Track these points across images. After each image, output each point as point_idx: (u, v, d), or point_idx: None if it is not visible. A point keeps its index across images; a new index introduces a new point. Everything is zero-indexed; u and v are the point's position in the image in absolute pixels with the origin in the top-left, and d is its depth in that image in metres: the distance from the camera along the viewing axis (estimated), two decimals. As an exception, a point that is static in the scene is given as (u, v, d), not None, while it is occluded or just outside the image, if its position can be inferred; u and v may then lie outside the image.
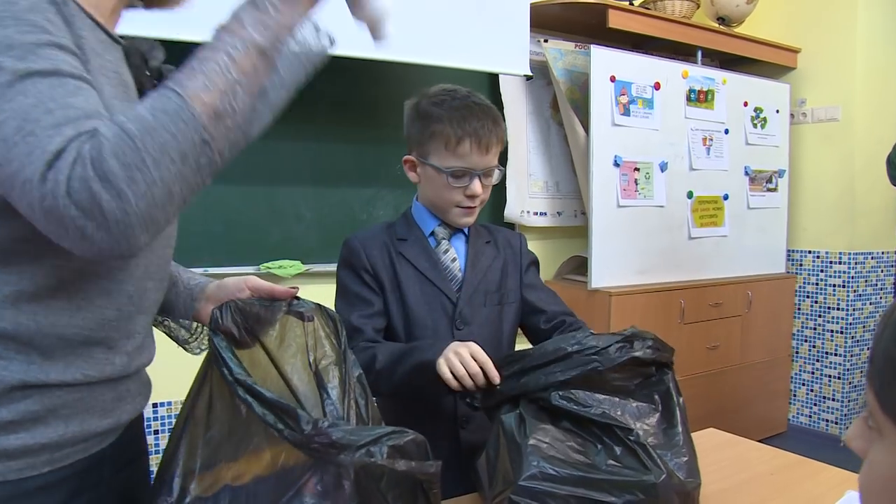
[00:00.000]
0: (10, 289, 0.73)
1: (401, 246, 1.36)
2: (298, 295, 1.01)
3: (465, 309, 1.34)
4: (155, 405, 2.40)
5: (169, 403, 2.41)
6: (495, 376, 1.10)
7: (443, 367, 1.13)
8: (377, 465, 0.77)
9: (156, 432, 2.41)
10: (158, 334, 1.03)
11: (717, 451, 1.38)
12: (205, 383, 0.88)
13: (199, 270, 1.09)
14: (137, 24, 0.93)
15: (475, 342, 1.15)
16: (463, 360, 1.12)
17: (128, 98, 0.83)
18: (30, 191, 0.63)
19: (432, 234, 1.38)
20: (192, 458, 0.86)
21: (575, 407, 1.01)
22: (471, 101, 1.32)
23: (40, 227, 0.66)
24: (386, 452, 0.78)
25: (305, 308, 0.99)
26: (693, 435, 1.43)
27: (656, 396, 1.08)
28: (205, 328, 1.06)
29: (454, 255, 1.38)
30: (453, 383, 1.12)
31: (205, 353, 0.94)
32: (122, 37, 0.87)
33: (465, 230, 1.40)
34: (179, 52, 0.92)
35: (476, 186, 1.30)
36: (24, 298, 0.73)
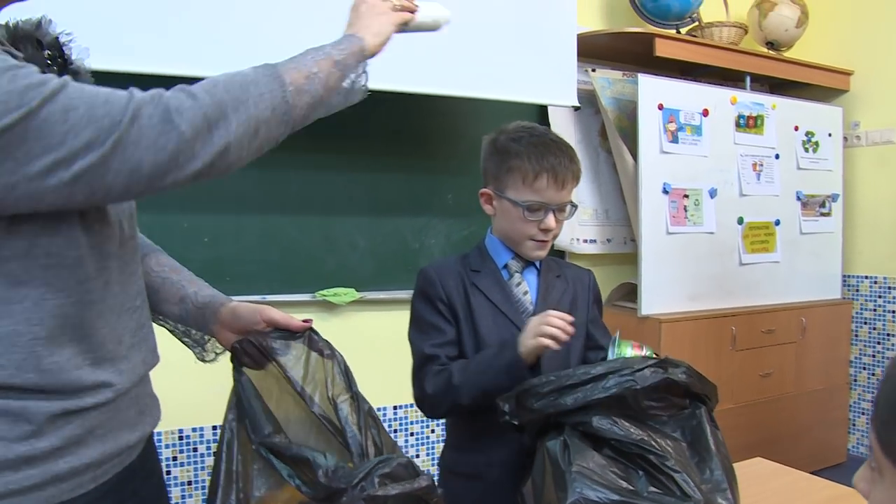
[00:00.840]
0: (32, 340, 0.80)
1: (475, 277, 1.41)
2: (313, 327, 1.06)
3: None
4: (214, 427, 2.50)
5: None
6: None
7: (537, 342, 1.21)
8: (375, 497, 0.83)
9: (215, 453, 2.50)
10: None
11: (763, 481, 1.40)
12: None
13: (257, 298, 1.15)
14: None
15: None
16: (547, 324, 1.21)
17: None
18: (118, 113, 0.76)
19: (505, 266, 1.43)
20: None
21: (615, 430, 1.05)
22: (548, 138, 1.39)
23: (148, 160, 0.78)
24: (377, 482, 0.85)
25: (324, 344, 1.05)
26: (739, 464, 1.46)
27: (687, 430, 1.11)
28: (215, 342, 1.11)
29: (526, 287, 1.43)
30: (555, 345, 1.20)
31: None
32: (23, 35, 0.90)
33: (537, 264, 1.45)
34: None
35: (550, 221, 1.36)
36: (44, 344, 0.80)
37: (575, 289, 1.47)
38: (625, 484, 1.02)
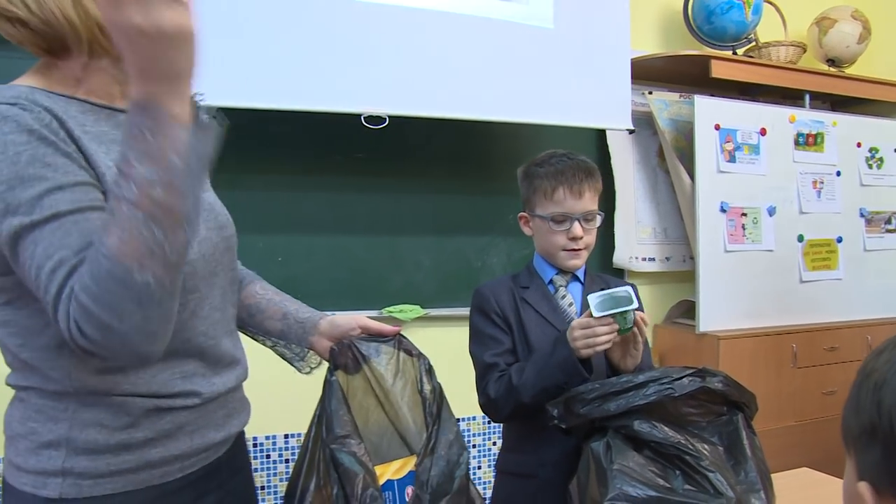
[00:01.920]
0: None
1: (524, 293, 1.56)
2: (402, 332, 1.21)
3: None
4: (286, 436, 2.66)
5: (299, 435, 2.66)
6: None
7: (590, 352, 1.34)
8: None
9: (287, 461, 2.66)
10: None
11: (806, 489, 1.46)
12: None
13: (327, 314, 1.29)
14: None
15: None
16: (594, 335, 1.33)
17: None
18: (52, 316, 0.82)
19: (551, 281, 1.57)
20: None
21: (655, 433, 1.15)
22: (566, 158, 1.54)
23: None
24: None
25: (411, 346, 1.19)
26: (785, 473, 1.53)
27: (724, 435, 1.20)
28: (313, 354, 1.25)
29: (571, 300, 1.56)
30: (600, 349, 1.33)
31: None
32: None
33: (581, 278, 1.58)
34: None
35: (577, 229, 1.50)
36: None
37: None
38: (662, 482, 1.11)
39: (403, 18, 2.43)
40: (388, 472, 1.10)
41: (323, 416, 1.07)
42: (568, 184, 1.50)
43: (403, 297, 2.78)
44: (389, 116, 2.45)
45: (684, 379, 1.19)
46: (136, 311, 0.78)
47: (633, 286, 1.65)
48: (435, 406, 1.10)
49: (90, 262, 0.78)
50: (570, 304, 1.56)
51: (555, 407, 1.28)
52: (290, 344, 1.24)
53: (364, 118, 2.44)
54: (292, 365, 1.26)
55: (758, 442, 1.22)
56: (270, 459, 2.63)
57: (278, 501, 2.62)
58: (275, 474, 2.63)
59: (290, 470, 2.65)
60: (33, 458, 0.93)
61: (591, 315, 1.33)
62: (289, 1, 2.26)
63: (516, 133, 2.80)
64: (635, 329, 1.37)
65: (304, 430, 2.67)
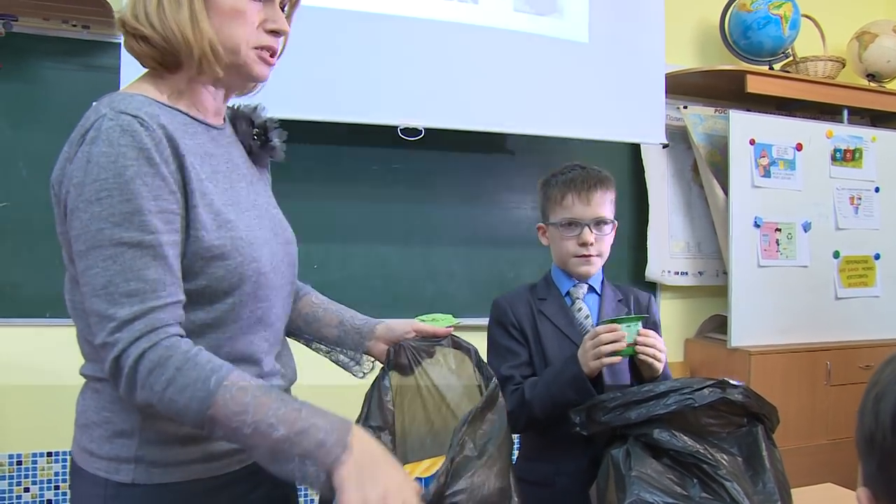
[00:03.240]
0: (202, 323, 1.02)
1: (541, 305, 1.59)
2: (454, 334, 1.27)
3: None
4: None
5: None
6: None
7: (599, 363, 1.36)
8: None
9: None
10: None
11: (826, 502, 1.46)
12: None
13: (382, 320, 1.35)
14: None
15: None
16: (600, 343, 1.36)
17: (238, 178, 1.10)
18: (98, 332, 0.91)
19: (568, 293, 1.60)
20: None
21: (674, 442, 1.17)
22: (579, 168, 1.58)
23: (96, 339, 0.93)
24: None
25: (465, 342, 1.26)
26: (808, 488, 1.54)
27: (743, 446, 1.22)
28: (368, 357, 1.31)
29: (587, 312, 1.58)
30: (616, 360, 1.36)
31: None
32: (229, 107, 1.16)
33: (598, 289, 1.61)
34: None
35: (587, 235, 1.53)
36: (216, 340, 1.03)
37: (634, 311, 1.61)
38: (679, 489, 1.14)
39: (441, 32, 2.49)
40: (418, 470, 1.15)
41: (363, 412, 1.12)
42: (576, 190, 1.54)
43: (436, 306, 2.81)
44: (425, 129, 2.50)
45: (705, 390, 1.21)
46: (171, 410, 0.90)
47: (652, 295, 1.69)
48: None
49: (205, 369, 0.91)
50: (587, 317, 1.58)
51: (577, 414, 1.32)
52: (345, 350, 1.30)
53: (400, 130, 2.50)
54: (347, 370, 1.31)
55: (778, 454, 1.24)
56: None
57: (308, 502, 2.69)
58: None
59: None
60: (108, 446, 1.01)
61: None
62: (331, 17, 2.33)
63: (550, 146, 2.84)
64: (640, 344, 1.39)
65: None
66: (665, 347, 1.43)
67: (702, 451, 1.17)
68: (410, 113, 2.48)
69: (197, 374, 0.90)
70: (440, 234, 2.84)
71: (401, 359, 1.20)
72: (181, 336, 0.93)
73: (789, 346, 3.03)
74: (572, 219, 1.54)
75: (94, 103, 0.99)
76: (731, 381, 1.24)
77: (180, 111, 1.03)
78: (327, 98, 2.35)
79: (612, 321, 1.39)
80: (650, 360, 1.40)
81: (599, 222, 1.55)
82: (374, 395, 1.15)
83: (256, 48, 1.04)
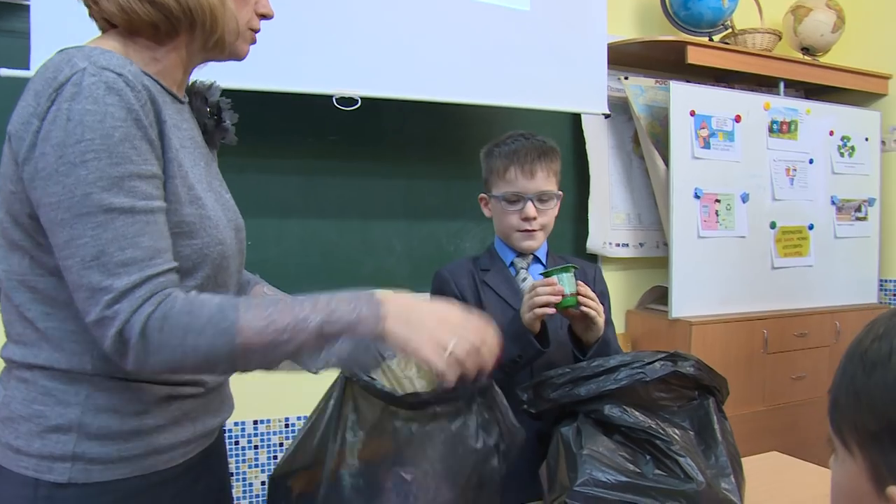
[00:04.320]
0: None
1: (485, 276, 1.54)
2: None
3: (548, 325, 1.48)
4: (256, 422, 2.63)
5: (269, 421, 2.63)
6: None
7: (533, 315, 1.33)
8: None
9: (255, 447, 2.63)
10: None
11: (776, 472, 1.46)
12: (329, 401, 1.06)
13: None
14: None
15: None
16: (536, 295, 1.33)
17: (200, 156, 1.02)
18: (91, 307, 0.84)
19: (512, 264, 1.54)
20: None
21: (625, 418, 1.13)
22: (522, 138, 1.51)
23: (85, 319, 0.86)
24: None
25: None
26: (755, 457, 1.52)
27: (695, 419, 1.19)
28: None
29: (532, 281, 1.52)
30: (550, 311, 1.33)
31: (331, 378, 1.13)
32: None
33: (543, 259, 1.56)
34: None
35: (529, 210, 1.47)
36: None
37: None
38: (632, 467, 1.10)
39: (377, -3, 2.39)
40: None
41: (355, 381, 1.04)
42: (520, 163, 1.48)
43: (375, 281, 2.72)
44: (362, 98, 2.41)
45: (656, 363, 1.17)
46: (197, 361, 0.86)
47: (599, 267, 1.65)
48: None
49: (216, 307, 0.86)
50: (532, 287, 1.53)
51: (524, 392, 1.27)
52: None
53: (336, 99, 2.40)
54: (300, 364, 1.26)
55: (728, 426, 1.21)
56: (239, 446, 2.60)
57: (247, 488, 2.59)
58: (243, 460, 2.59)
59: (259, 456, 2.63)
60: (38, 442, 0.91)
61: None
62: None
63: (491, 116, 2.77)
64: (581, 296, 1.34)
65: (272, 417, 2.66)
66: (600, 307, 1.39)
67: (654, 426, 1.13)
68: (346, 82, 2.38)
69: (209, 311, 0.86)
70: (378, 208, 2.76)
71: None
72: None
73: (728, 315, 3.06)
74: (515, 193, 1.49)
75: (57, 54, 0.89)
76: (682, 354, 1.21)
77: (152, 78, 0.96)
78: (257, 65, 2.18)
79: (546, 273, 1.36)
80: (589, 311, 1.35)
81: (543, 196, 1.50)
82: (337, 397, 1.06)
83: (249, 29, 1.04)
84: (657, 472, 1.09)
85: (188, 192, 0.94)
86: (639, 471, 1.09)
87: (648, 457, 1.12)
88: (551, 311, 1.33)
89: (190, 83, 1.09)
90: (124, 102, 0.85)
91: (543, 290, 1.33)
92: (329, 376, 1.14)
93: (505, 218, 1.51)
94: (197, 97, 1.10)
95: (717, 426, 1.18)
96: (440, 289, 1.55)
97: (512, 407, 1.29)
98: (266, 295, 1.25)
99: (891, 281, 3.66)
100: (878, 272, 3.64)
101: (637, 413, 1.15)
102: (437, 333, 0.90)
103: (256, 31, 1.06)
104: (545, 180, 1.49)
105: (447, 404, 0.99)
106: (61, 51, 0.89)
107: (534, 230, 1.50)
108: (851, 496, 0.63)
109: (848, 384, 0.62)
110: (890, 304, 3.64)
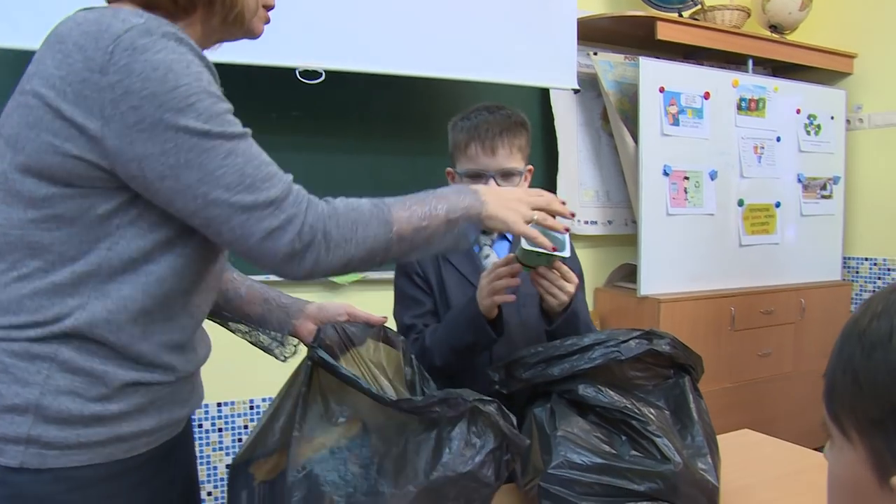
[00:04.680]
0: (130, 302, 0.89)
1: (447, 252, 1.47)
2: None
3: (504, 309, 1.43)
4: (220, 404, 2.56)
5: (233, 403, 2.57)
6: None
7: (491, 301, 1.28)
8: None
9: (220, 430, 2.57)
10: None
11: (747, 450, 1.44)
12: (294, 386, 1.02)
13: (260, 278, 1.24)
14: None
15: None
16: (496, 278, 1.28)
17: None
18: (255, 224, 0.86)
19: (476, 240, 1.48)
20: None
21: (600, 398, 1.10)
22: (486, 111, 1.44)
23: (241, 248, 0.88)
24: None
25: (395, 336, 1.13)
26: (727, 435, 1.51)
27: (671, 398, 1.16)
28: (291, 339, 1.22)
29: (495, 259, 1.46)
30: (510, 298, 1.28)
31: (296, 361, 1.08)
32: None
33: (509, 236, 1.50)
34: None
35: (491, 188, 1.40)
36: (141, 312, 0.90)
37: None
38: (608, 448, 1.07)
39: (341, -34, 2.30)
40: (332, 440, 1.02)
41: (330, 368, 0.99)
42: (480, 139, 1.40)
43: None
44: (326, 71, 2.33)
45: (631, 341, 1.14)
46: (362, 253, 0.93)
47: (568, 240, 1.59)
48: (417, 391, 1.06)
49: (372, 203, 0.95)
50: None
51: (496, 372, 1.23)
52: (268, 330, 1.23)
53: (299, 73, 2.32)
54: (269, 352, 1.24)
55: (704, 405, 1.18)
56: (203, 429, 2.54)
57: (211, 471, 2.54)
58: (207, 444, 2.53)
59: (223, 439, 2.57)
60: None
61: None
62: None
63: (459, 91, 2.71)
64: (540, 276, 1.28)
65: (237, 399, 2.60)
66: (575, 279, 1.33)
67: (629, 406, 1.10)
68: (310, 54, 2.30)
69: (367, 207, 0.94)
70: (343, 185, 2.68)
71: (330, 337, 1.05)
72: None
73: (696, 293, 3.06)
74: (476, 170, 1.42)
75: (86, 11, 0.86)
76: (658, 332, 1.18)
77: None
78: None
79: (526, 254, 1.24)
80: (545, 294, 1.29)
81: (507, 173, 1.43)
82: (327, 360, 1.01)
83: (263, 6, 1.04)
84: (633, 453, 1.06)
85: None
86: (614, 452, 1.06)
87: (624, 437, 1.08)
88: (510, 298, 1.27)
89: None
90: (195, 52, 0.86)
91: (504, 270, 1.26)
92: (295, 361, 1.11)
93: None
94: None
95: (692, 405, 1.15)
96: (403, 266, 1.49)
97: (479, 389, 1.25)
98: (236, 281, 1.23)
99: (854, 258, 3.70)
100: (842, 249, 3.67)
101: (612, 393, 1.12)
102: (521, 209, 1.08)
103: (270, 7, 1.05)
104: (508, 157, 1.42)
105: (441, 410, 0.95)
106: (87, 9, 0.87)
107: None
108: (851, 487, 0.59)
109: (845, 366, 0.57)
110: (853, 281, 3.69)
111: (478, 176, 1.42)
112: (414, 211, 0.97)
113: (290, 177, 0.91)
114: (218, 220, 0.86)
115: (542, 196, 1.14)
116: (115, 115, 0.81)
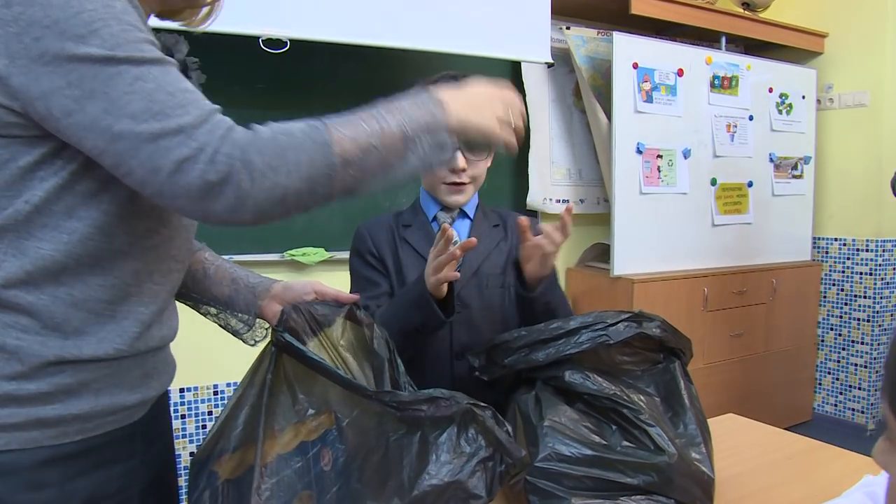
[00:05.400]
0: (50, 262, 0.78)
1: (405, 231, 1.39)
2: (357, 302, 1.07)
3: (464, 291, 1.34)
4: (182, 390, 2.46)
5: (196, 388, 2.47)
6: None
7: (436, 278, 1.15)
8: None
9: (182, 416, 2.46)
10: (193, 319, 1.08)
11: (735, 435, 1.39)
12: (258, 373, 0.92)
13: (226, 258, 1.15)
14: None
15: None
16: (437, 254, 1.15)
17: None
18: (162, 155, 0.73)
19: (435, 218, 1.40)
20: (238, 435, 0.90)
21: (588, 385, 1.03)
22: (453, 80, 1.33)
23: (153, 187, 0.75)
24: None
25: (365, 316, 1.04)
26: (712, 420, 1.45)
27: (660, 384, 1.09)
28: (261, 322, 1.13)
29: (455, 237, 1.38)
30: (454, 276, 1.15)
31: (262, 346, 0.99)
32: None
33: (471, 214, 1.42)
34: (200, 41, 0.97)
35: (458, 160, 1.32)
36: (64, 273, 0.79)
37: (513, 239, 1.43)
38: (598, 438, 1.00)
39: (306, -71, 2.18)
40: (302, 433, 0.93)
41: (297, 352, 0.91)
42: None
43: (307, 239, 2.59)
44: (291, 40, 2.22)
45: (620, 324, 1.07)
46: (297, 182, 0.78)
47: (535, 218, 1.52)
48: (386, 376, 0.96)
49: (305, 123, 0.80)
50: (455, 243, 1.34)
51: (476, 357, 1.15)
52: (236, 312, 1.14)
53: (262, 41, 2.20)
54: (238, 336, 1.14)
55: (694, 391, 1.12)
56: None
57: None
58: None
59: (186, 426, 2.46)
60: None
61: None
62: None
63: (427, 62, 2.61)
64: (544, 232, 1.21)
65: (200, 384, 2.49)
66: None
67: (618, 393, 1.03)
68: (273, 22, 2.18)
69: (299, 128, 0.79)
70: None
71: (297, 322, 0.97)
72: None
73: (669, 273, 3.02)
74: None
75: None
76: (647, 314, 1.11)
77: None
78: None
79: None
80: (542, 255, 1.22)
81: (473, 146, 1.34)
82: (294, 344, 0.91)
83: None
84: (625, 443, 0.99)
85: None
86: (605, 443, 0.99)
87: (614, 427, 1.01)
88: (454, 276, 1.16)
89: (156, 29, 0.93)
90: None
91: (443, 246, 1.15)
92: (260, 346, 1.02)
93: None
94: (161, 50, 0.94)
95: (684, 391, 1.09)
96: (356, 246, 1.41)
97: (437, 376, 1.16)
98: (206, 261, 1.13)
99: (823, 238, 3.70)
100: (812, 230, 3.67)
101: (600, 379, 1.05)
102: (496, 111, 0.93)
103: None
104: None
105: (427, 409, 0.86)
106: None
107: (463, 183, 1.35)
108: None
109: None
110: (822, 261, 3.69)
111: None
112: (359, 129, 0.82)
113: (213, 106, 0.78)
114: (127, 156, 0.74)
115: (511, 88, 0.98)
116: (20, 49, 0.72)
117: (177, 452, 2.46)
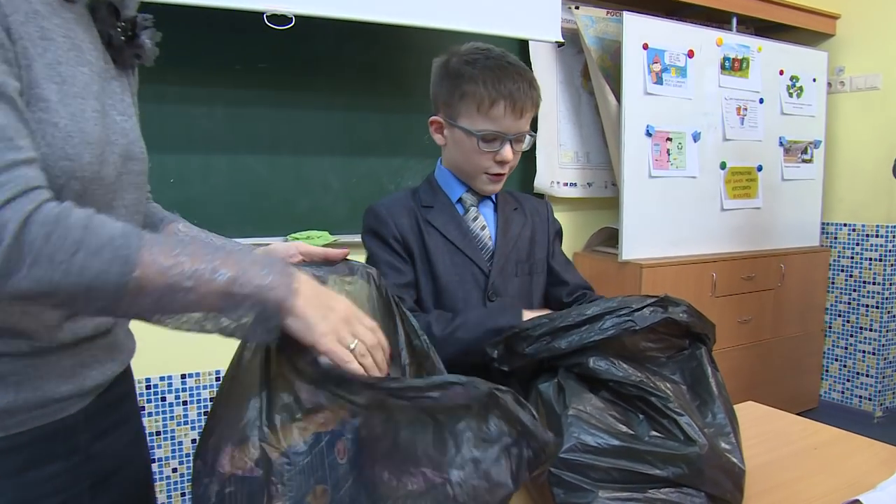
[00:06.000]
0: None
1: (427, 213, 1.30)
2: (349, 257, 1.01)
3: (498, 280, 1.30)
4: (184, 376, 2.41)
5: (198, 374, 2.42)
6: None
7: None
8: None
9: (184, 403, 2.42)
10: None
11: (758, 424, 1.35)
12: (253, 357, 0.87)
13: (259, 245, 1.08)
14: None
15: None
16: None
17: (80, 61, 0.79)
18: None
19: (459, 200, 1.33)
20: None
21: (614, 371, 0.98)
22: (505, 61, 1.26)
23: None
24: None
25: (364, 266, 0.99)
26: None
27: (686, 371, 1.05)
28: None
29: (483, 222, 1.33)
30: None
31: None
32: None
33: (493, 196, 1.36)
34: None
35: (507, 152, 1.25)
36: None
37: (533, 222, 1.39)
38: (624, 428, 0.96)
39: None
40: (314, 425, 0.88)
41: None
42: (511, 99, 1.21)
43: (310, 222, 2.54)
44: (296, 16, 2.16)
45: (645, 310, 1.02)
46: (75, 287, 0.68)
47: (548, 205, 1.47)
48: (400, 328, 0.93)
49: (119, 230, 0.70)
50: (483, 228, 1.32)
51: (494, 348, 1.10)
52: None
53: (267, 17, 2.14)
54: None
55: (721, 378, 1.08)
56: (166, 402, 2.39)
57: (176, 447, 2.39)
58: (171, 418, 2.38)
59: (188, 413, 2.43)
60: None
61: None
62: None
63: (436, 41, 2.55)
64: None
65: (202, 371, 2.45)
66: None
67: (645, 380, 0.99)
68: (278, -3, 2.13)
69: (110, 231, 0.69)
70: (313, 142, 2.53)
71: None
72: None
73: (678, 258, 2.98)
74: (498, 133, 1.23)
75: None
76: (672, 298, 1.06)
77: None
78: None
79: None
80: None
81: (521, 137, 1.27)
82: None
83: None
84: (653, 433, 0.95)
85: (27, 90, 0.72)
86: (632, 433, 0.95)
87: (641, 416, 0.97)
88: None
89: None
90: None
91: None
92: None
93: (475, 157, 1.26)
94: (103, 7, 0.87)
95: (711, 379, 1.05)
96: (374, 229, 1.30)
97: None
98: (180, 233, 1.03)
99: (832, 224, 3.66)
100: (821, 215, 3.62)
101: (625, 366, 1.00)
102: (341, 328, 0.81)
103: None
104: (528, 120, 1.27)
105: (440, 397, 0.80)
106: None
107: (504, 174, 1.29)
108: None
109: None
110: (831, 247, 3.64)
111: (494, 139, 1.24)
112: (180, 262, 0.72)
113: (19, 156, 0.68)
114: None
115: (375, 333, 0.86)
116: None
117: (178, 440, 2.43)
